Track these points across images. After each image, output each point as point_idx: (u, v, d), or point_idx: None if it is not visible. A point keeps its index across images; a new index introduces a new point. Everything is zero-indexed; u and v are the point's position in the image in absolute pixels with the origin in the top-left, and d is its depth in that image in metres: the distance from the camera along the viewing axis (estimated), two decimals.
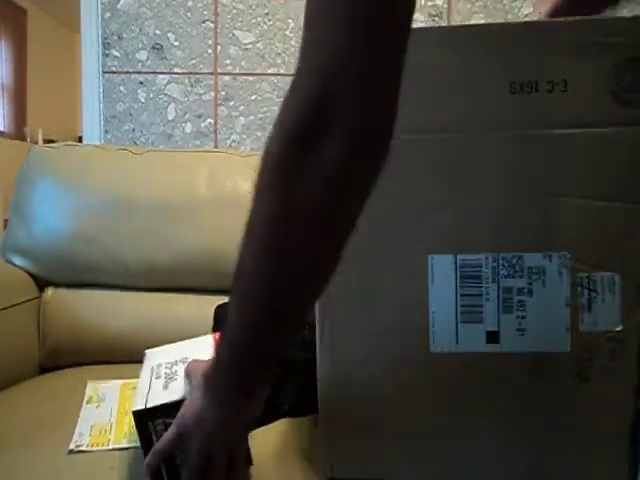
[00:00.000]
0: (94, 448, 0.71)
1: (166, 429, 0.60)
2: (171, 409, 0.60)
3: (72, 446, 0.71)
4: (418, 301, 0.58)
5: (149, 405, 0.60)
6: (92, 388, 0.89)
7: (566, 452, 0.58)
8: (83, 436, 0.74)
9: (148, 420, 0.60)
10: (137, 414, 0.60)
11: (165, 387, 0.63)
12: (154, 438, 0.60)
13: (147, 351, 0.75)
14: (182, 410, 0.55)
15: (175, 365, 0.68)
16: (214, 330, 1.00)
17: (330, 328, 0.60)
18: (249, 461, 0.65)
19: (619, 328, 0.57)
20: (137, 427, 0.60)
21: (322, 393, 0.61)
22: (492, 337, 0.58)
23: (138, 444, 0.60)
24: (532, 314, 0.57)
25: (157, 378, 0.65)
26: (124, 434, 0.74)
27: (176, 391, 0.62)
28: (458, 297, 0.58)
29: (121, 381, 0.90)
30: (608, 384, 0.57)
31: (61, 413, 0.81)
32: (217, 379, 0.51)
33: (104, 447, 0.71)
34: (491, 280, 0.58)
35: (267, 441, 0.73)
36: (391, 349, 0.59)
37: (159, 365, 0.69)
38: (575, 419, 0.58)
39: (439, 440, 0.60)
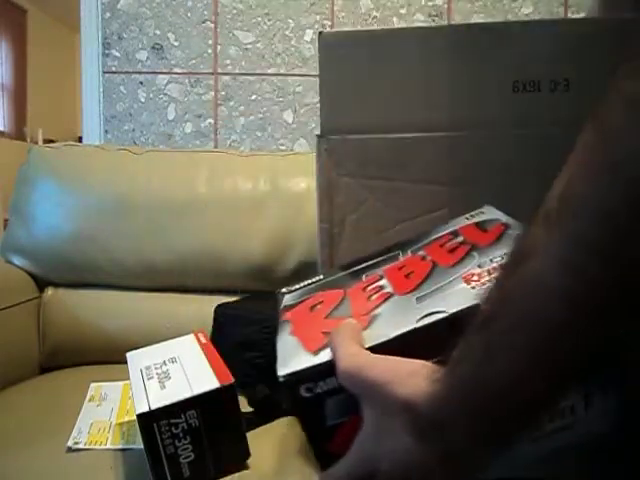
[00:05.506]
0: (92, 446, 0.71)
1: (170, 430, 0.59)
2: (176, 409, 0.60)
3: (70, 442, 0.70)
4: None
5: (153, 407, 0.60)
6: (95, 387, 0.89)
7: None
8: (82, 433, 0.73)
9: (153, 422, 0.59)
10: (142, 416, 0.59)
11: (163, 387, 0.63)
12: (159, 440, 0.59)
13: (128, 354, 0.74)
14: (365, 434, 0.37)
15: (164, 365, 0.68)
16: (214, 330, 1.00)
17: None
18: (246, 453, 0.65)
19: None
20: (142, 429, 0.59)
21: None
22: None
23: (135, 446, 0.60)
24: None
25: (150, 379, 0.65)
26: (122, 434, 0.74)
27: (176, 390, 0.62)
28: None
29: (124, 382, 0.90)
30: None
31: (61, 413, 0.81)
32: (445, 418, 0.34)
33: (101, 446, 0.71)
34: None
35: (267, 441, 0.73)
36: None
37: (148, 367, 0.69)
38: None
39: None
